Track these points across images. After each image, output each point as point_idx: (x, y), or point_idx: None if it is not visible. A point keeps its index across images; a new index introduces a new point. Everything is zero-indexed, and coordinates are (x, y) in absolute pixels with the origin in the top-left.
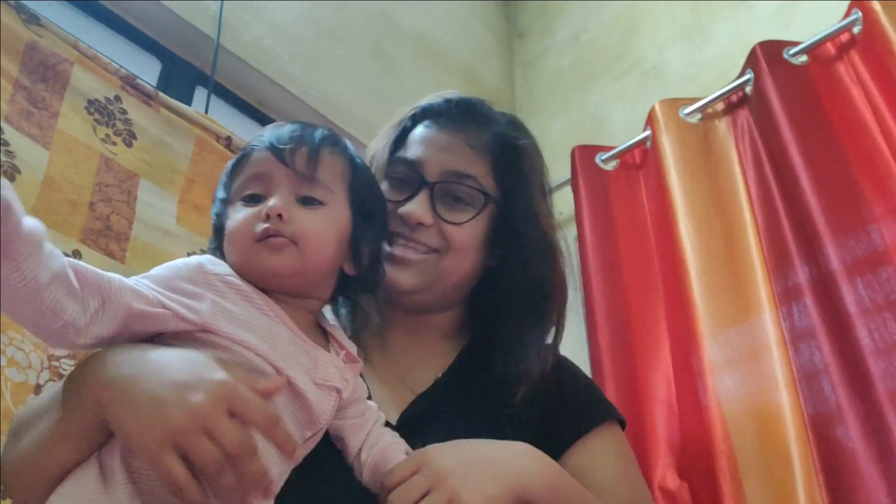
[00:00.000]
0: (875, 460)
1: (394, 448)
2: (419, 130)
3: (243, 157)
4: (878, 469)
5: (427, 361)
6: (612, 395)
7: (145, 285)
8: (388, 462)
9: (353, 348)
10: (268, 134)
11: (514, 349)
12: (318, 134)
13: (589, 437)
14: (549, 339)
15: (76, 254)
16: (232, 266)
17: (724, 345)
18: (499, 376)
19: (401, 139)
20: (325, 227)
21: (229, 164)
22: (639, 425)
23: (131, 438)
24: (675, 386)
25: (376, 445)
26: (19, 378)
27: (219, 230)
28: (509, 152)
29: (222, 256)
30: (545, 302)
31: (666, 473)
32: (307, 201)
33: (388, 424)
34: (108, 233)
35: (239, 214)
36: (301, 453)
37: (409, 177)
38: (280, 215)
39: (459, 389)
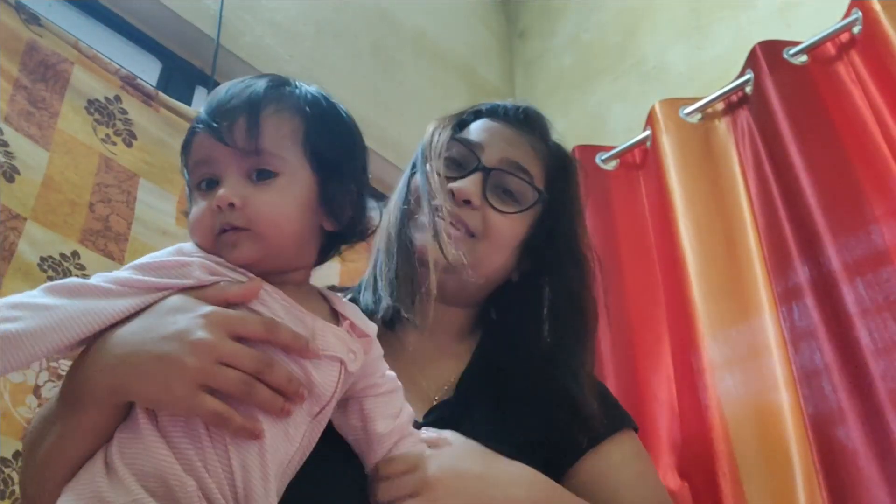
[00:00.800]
0: (875, 460)
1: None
2: (482, 122)
3: (187, 142)
4: (879, 469)
5: (440, 362)
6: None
7: (127, 277)
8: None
9: (361, 321)
10: (206, 105)
11: (554, 362)
12: (255, 94)
13: (604, 444)
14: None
15: (75, 255)
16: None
17: (725, 345)
18: (524, 384)
19: (459, 128)
20: (283, 202)
21: (182, 146)
22: (639, 425)
23: (161, 401)
24: (676, 386)
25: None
26: (18, 379)
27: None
28: (562, 167)
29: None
30: (581, 318)
31: (666, 473)
32: (260, 175)
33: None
34: (108, 233)
35: (196, 206)
36: (313, 432)
37: (466, 159)
38: (231, 204)
39: (478, 393)
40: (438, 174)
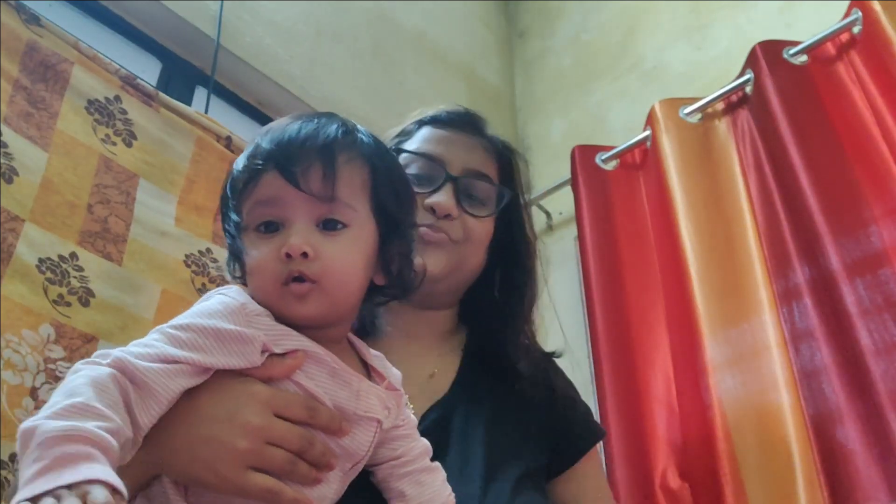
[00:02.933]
0: (875, 460)
1: None
2: (429, 131)
3: (251, 178)
4: (879, 469)
5: (425, 359)
6: (612, 396)
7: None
8: None
9: (394, 377)
10: (272, 143)
11: (507, 343)
12: (331, 140)
13: (583, 460)
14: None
15: (73, 256)
16: (259, 303)
17: (725, 345)
18: (503, 373)
19: (404, 142)
20: (351, 255)
21: (234, 180)
22: (639, 425)
23: (206, 481)
24: (676, 386)
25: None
26: (16, 381)
27: (235, 256)
28: (508, 161)
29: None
30: (527, 298)
31: (667, 474)
32: (328, 224)
33: None
34: (106, 235)
35: (257, 250)
36: (343, 484)
37: (432, 171)
38: (305, 253)
39: (474, 389)
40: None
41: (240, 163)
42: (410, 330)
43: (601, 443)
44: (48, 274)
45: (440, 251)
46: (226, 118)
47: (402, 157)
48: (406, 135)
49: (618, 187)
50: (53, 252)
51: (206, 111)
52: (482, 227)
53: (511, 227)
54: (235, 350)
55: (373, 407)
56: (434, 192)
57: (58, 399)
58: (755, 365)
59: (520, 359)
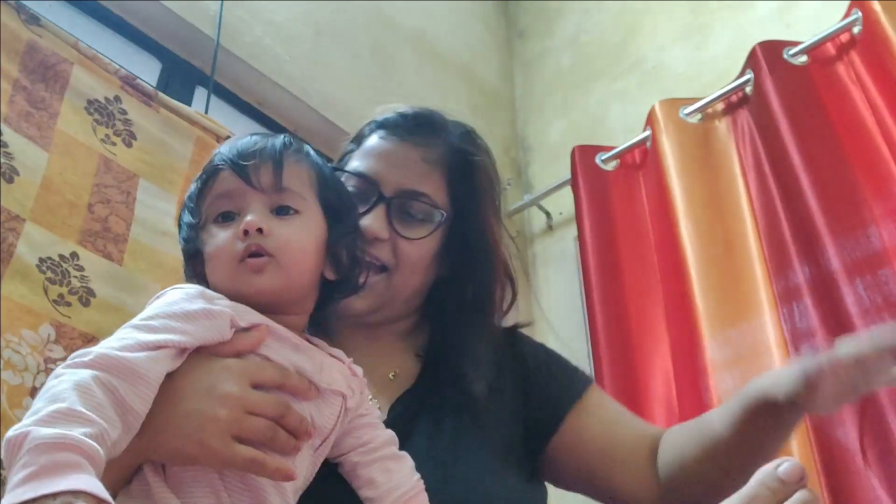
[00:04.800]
0: (875, 460)
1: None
2: (373, 140)
3: (208, 179)
4: (879, 470)
5: (386, 360)
6: (612, 395)
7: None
8: None
9: (357, 369)
10: (226, 150)
11: (464, 353)
12: (279, 143)
13: (577, 406)
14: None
15: (74, 256)
16: (216, 290)
17: (725, 345)
18: (457, 375)
19: (357, 142)
20: (304, 236)
21: (193, 187)
22: None
23: (195, 456)
24: (676, 386)
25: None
26: (16, 381)
27: (191, 256)
28: (463, 167)
29: (200, 283)
30: (485, 311)
31: None
32: (281, 211)
33: None
34: (107, 234)
35: (217, 237)
36: (313, 465)
37: (366, 190)
38: (260, 229)
39: (435, 387)
40: None
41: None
42: (369, 332)
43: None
44: (48, 274)
45: (367, 292)
46: (226, 118)
47: (341, 176)
48: (358, 140)
49: (618, 187)
50: (54, 252)
51: (206, 111)
52: (415, 249)
53: (466, 237)
54: (207, 325)
55: (335, 380)
56: (365, 213)
57: (41, 405)
58: (755, 365)
59: (475, 377)
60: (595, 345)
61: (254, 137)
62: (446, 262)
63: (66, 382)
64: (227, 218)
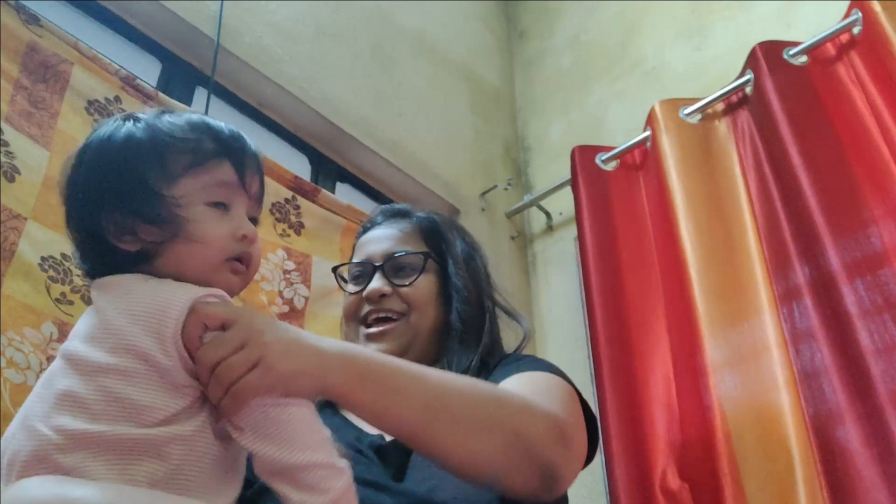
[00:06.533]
0: (876, 461)
1: None
2: (363, 239)
3: (209, 160)
4: (879, 470)
5: None
6: (612, 396)
7: None
8: None
9: None
10: (231, 136)
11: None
12: (258, 153)
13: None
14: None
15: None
16: (185, 272)
17: (725, 345)
18: None
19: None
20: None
21: (183, 158)
22: (639, 426)
23: None
24: (676, 386)
25: None
26: (18, 379)
27: (152, 222)
28: (434, 229)
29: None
30: (467, 341)
31: (667, 474)
32: (254, 222)
33: (377, 447)
34: None
35: (209, 224)
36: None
37: (364, 270)
38: (250, 238)
39: None
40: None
41: (183, 131)
42: None
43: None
44: (50, 272)
45: (390, 335)
46: (226, 118)
47: (347, 276)
48: (355, 251)
49: (618, 188)
50: (56, 250)
51: (206, 111)
52: (418, 290)
53: (448, 280)
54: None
55: None
56: (368, 283)
57: None
58: (755, 365)
59: None
60: (595, 345)
61: (242, 134)
62: (450, 302)
63: None
64: (218, 206)
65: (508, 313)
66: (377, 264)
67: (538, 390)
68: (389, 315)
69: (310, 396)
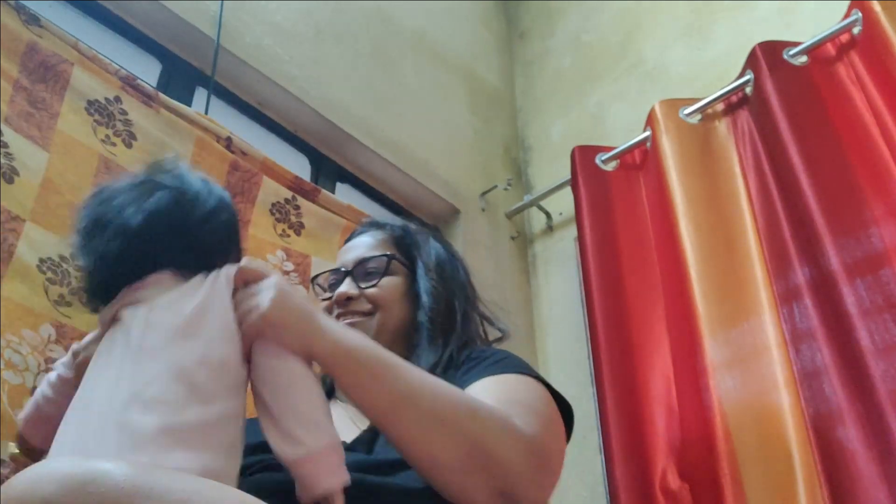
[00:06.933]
0: (876, 461)
1: None
2: (340, 253)
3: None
4: (879, 470)
5: None
6: (612, 396)
7: None
8: None
9: None
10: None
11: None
12: None
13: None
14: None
15: (74, 257)
16: None
17: (725, 345)
18: None
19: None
20: None
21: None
22: (639, 426)
23: None
24: (676, 386)
25: None
26: (16, 381)
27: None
28: (404, 234)
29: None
30: (443, 338)
31: (667, 474)
32: None
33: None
34: None
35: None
36: None
37: (338, 277)
38: None
39: None
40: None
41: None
42: None
43: (592, 433)
44: (49, 274)
45: (358, 328)
46: (226, 119)
47: (323, 284)
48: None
49: (618, 188)
50: (54, 252)
51: (206, 112)
52: (383, 290)
53: (419, 280)
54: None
55: None
56: (338, 288)
57: None
58: (755, 365)
59: None
60: (595, 345)
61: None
62: (419, 302)
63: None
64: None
65: (486, 318)
66: (347, 269)
67: (512, 399)
68: (356, 318)
69: (298, 354)
